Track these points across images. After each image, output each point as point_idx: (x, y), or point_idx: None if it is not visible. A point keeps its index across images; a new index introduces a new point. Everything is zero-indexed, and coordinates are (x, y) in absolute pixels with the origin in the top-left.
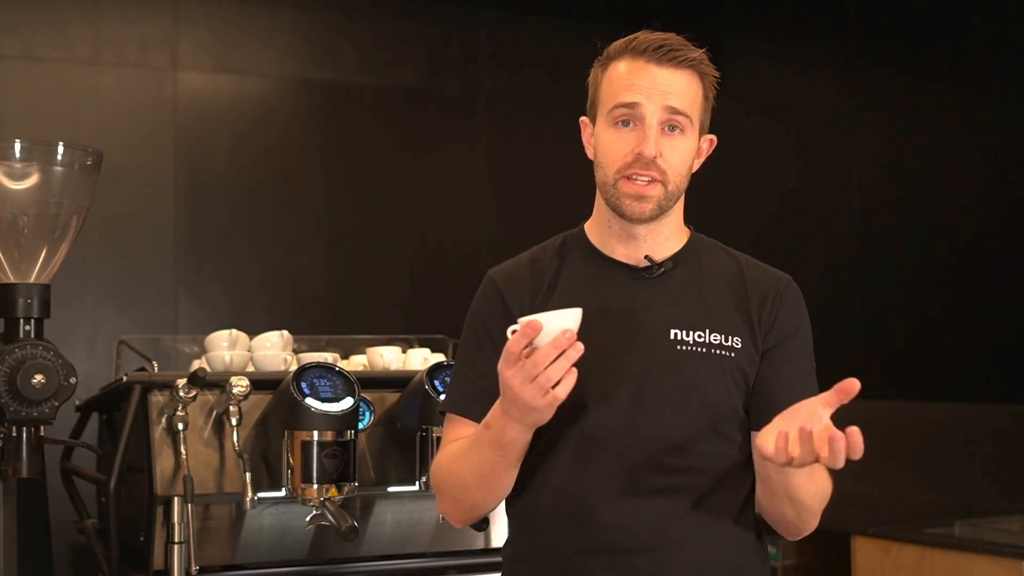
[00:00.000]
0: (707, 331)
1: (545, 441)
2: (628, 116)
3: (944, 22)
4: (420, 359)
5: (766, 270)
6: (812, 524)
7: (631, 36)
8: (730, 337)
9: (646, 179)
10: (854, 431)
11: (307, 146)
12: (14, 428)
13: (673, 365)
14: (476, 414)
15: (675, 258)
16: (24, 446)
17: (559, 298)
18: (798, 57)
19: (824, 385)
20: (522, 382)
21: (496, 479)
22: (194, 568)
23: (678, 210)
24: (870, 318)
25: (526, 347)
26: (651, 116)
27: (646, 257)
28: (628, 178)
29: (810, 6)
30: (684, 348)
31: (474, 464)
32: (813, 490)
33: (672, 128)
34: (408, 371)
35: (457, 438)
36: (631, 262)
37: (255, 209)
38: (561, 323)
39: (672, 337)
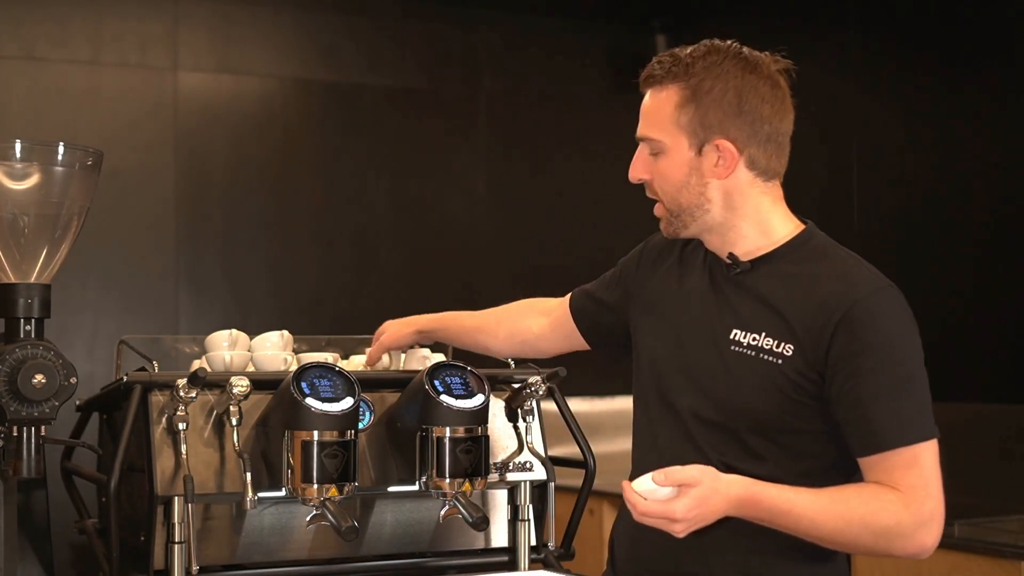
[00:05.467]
0: (762, 335)
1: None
2: None
3: (945, 10)
4: (420, 359)
5: (841, 284)
6: (895, 550)
7: None
8: (782, 344)
9: (656, 203)
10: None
11: (307, 146)
12: (14, 428)
13: (724, 364)
14: (575, 307)
15: (757, 260)
16: (24, 446)
17: (659, 276)
18: (797, 51)
19: None
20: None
21: None
22: (194, 568)
23: (750, 211)
24: None
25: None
26: (640, 144)
27: (729, 255)
28: None
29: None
30: (738, 349)
31: None
32: (828, 528)
33: (653, 153)
34: (408, 371)
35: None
36: (720, 255)
37: (255, 209)
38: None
39: (732, 337)
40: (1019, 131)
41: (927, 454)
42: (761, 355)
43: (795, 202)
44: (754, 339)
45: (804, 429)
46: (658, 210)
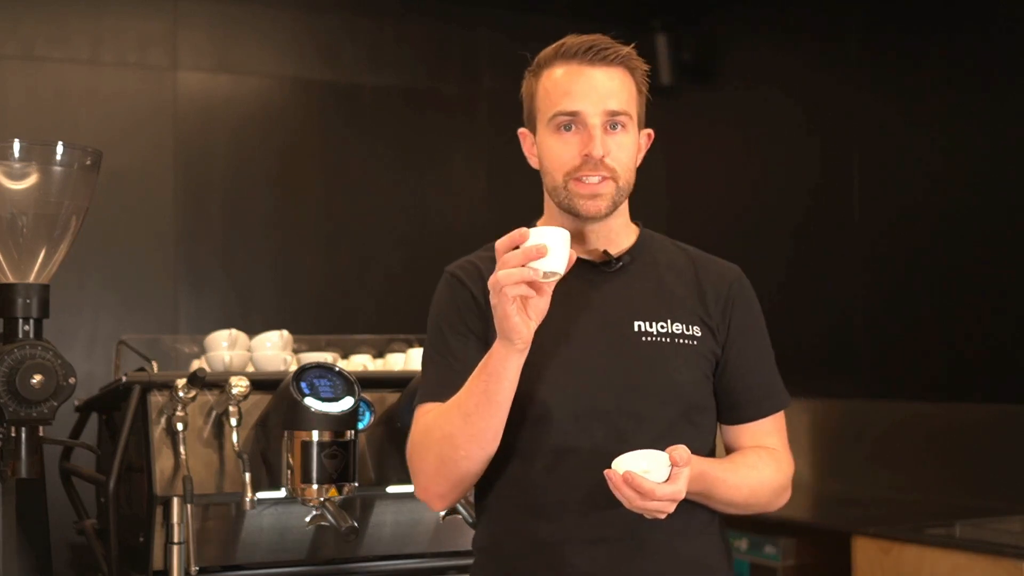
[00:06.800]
0: (668, 321)
1: (517, 431)
2: (570, 121)
3: (946, 9)
4: (420, 359)
5: (716, 265)
6: (774, 507)
7: (559, 42)
8: (690, 327)
9: (597, 178)
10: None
11: (307, 146)
12: (13, 428)
13: (641, 356)
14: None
15: (631, 252)
16: (23, 446)
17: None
18: (798, 50)
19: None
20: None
21: (480, 418)
22: (194, 568)
23: (625, 207)
24: (872, 316)
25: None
26: (593, 119)
27: (604, 252)
28: (578, 180)
29: None
30: (649, 339)
31: (462, 401)
32: (745, 492)
33: (614, 126)
34: (408, 371)
35: None
36: (589, 257)
37: (255, 209)
38: (541, 238)
39: (636, 329)
40: (1020, 130)
41: (784, 418)
42: (676, 340)
43: (796, 199)
44: (662, 326)
45: (708, 406)
46: (603, 186)
